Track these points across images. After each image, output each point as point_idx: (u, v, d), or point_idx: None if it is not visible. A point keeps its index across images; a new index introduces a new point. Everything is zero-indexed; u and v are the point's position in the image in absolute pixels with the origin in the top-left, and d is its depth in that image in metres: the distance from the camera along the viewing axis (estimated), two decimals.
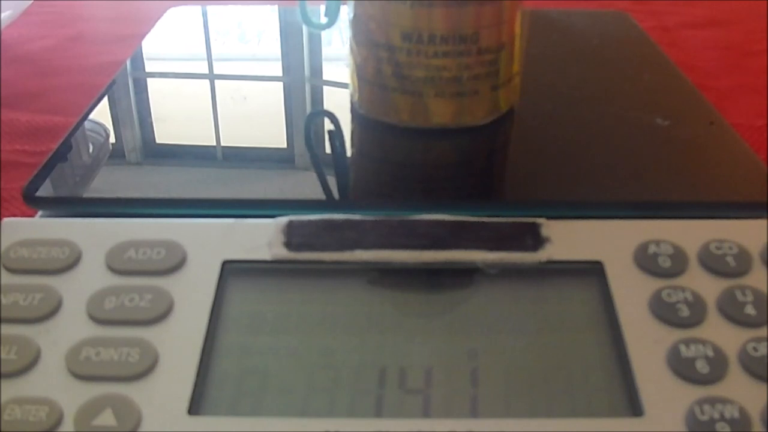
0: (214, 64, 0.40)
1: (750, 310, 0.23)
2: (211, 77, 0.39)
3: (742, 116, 0.43)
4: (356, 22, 0.31)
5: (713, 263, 0.24)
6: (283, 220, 0.25)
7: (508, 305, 0.24)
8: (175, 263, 0.24)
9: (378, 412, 0.21)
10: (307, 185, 0.29)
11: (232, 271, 0.24)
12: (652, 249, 0.25)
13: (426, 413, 0.21)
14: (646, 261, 0.24)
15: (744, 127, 0.41)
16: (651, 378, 0.22)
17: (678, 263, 0.24)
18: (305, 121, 0.34)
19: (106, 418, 0.21)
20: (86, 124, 0.32)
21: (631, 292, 0.24)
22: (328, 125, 0.33)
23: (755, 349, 0.22)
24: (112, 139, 0.32)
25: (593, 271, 0.24)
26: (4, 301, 0.23)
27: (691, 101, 0.34)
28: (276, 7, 0.47)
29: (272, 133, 0.33)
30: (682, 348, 0.22)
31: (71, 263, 0.24)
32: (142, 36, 0.42)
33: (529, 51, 0.37)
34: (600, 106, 0.34)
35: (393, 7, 0.29)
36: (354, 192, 0.29)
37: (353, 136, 0.32)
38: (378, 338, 0.23)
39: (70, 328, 0.23)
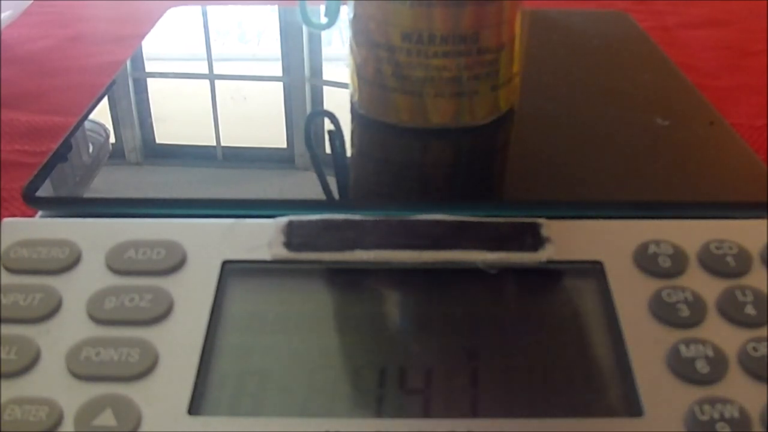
0: (214, 64, 0.40)
1: (750, 310, 0.23)
2: (211, 77, 0.39)
3: (742, 116, 0.43)
4: (356, 22, 0.31)
5: (713, 263, 0.24)
6: (283, 220, 0.25)
7: (508, 305, 0.24)
8: (175, 263, 0.24)
9: (378, 412, 0.21)
10: (307, 185, 0.29)
11: (232, 271, 0.24)
12: (652, 249, 0.25)
13: (426, 413, 0.21)
14: (646, 261, 0.24)
15: (744, 127, 0.41)
16: (651, 378, 0.22)
17: (678, 263, 0.24)
18: (305, 121, 0.34)
19: (106, 418, 0.21)
20: (86, 124, 0.32)
21: (631, 292, 0.24)
22: (328, 125, 0.33)
23: (755, 349, 0.22)
24: (112, 139, 0.32)
25: (593, 271, 0.24)
26: (4, 301, 0.23)
27: (691, 101, 0.34)
28: (276, 7, 0.47)
29: (272, 133, 0.33)
30: (682, 348, 0.22)
31: (71, 263, 0.24)
32: (142, 36, 0.42)
33: (529, 51, 0.37)
34: (600, 106, 0.34)
35: (393, 7, 0.29)
36: (354, 192, 0.29)
37: (353, 136, 0.32)
38: (378, 338, 0.23)
39: (70, 328, 0.23)
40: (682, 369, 0.22)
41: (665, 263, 0.24)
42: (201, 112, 0.34)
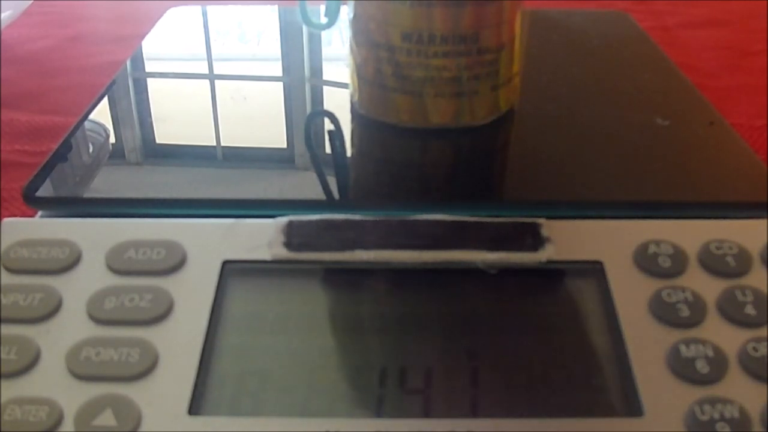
0: (214, 64, 0.40)
1: (750, 310, 0.23)
2: (211, 77, 0.39)
3: (742, 116, 0.43)
4: (356, 22, 0.31)
5: (713, 263, 0.24)
6: (283, 220, 0.25)
7: (508, 305, 0.24)
8: (175, 263, 0.24)
9: (378, 412, 0.21)
10: (307, 185, 0.29)
11: (232, 271, 0.24)
12: (652, 249, 0.25)
13: (426, 413, 0.21)
14: (646, 261, 0.24)
15: (744, 127, 0.41)
16: (651, 378, 0.22)
17: (678, 263, 0.24)
18: (305, 121, 0.34)
19: (106, 418, 0.21)
20: (86, 124, 0.32)
21: (631, 292, 0.24)
22: (328, 125, 0.33)
23: (755, 349, 0.22)
24: (112, 139, 0.32)
25: (593, 271, 0.24)
26: (4, 301, 0.23)
27: (691, 101, 0.34)
28: (276, 7, 0.47)
29: (272, 133, 0.33)
30: (682, 348, 0.22)
31: (71, 263, 0.24)
32: (142, 36, 0.42)
33: (529, 51, 0.37)
34: (600, 106, 0.34)
35: (393, 7, 0.29)
36: (354, 192, 0.29)
37: (353, 136, 0.32)
38: (378, 338, 0.23)
39: (70, 328, 0.23)
40: (682, 369, 0.22)
41: (665, 263, 0.24)
42: (201, 112, 0.34)
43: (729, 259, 0.24)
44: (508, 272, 0.24)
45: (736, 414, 0.21)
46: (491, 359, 0.23)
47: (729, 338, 0.22)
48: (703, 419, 0.21)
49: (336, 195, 0.28)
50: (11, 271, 0.24)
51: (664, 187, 0.28)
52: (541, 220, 0.25)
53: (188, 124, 0.33)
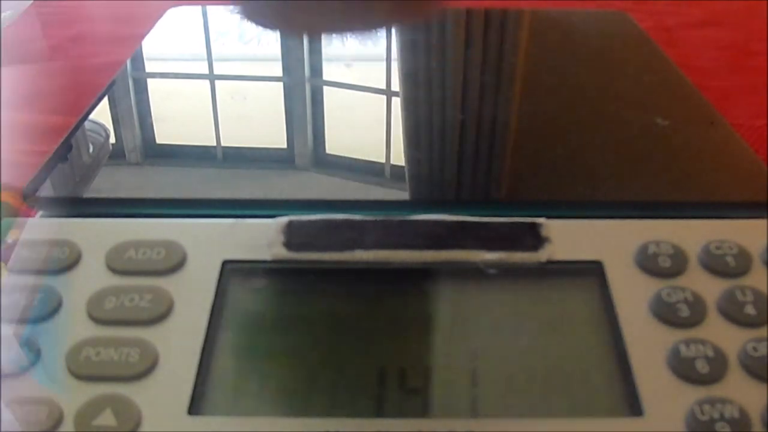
0: (214, 64, 0.40)
1: (750, 310, 0.23)
2: (211, 77, 0.39)
3: (742, 116, 0.43)
4: None
5: (713, 263, 0.24)
6: (283, 220, 0.25)
7: (508, 305, 0.24)
8: (175, 263, 0.24)
9: (378, 412, 0.21)
10: (307, 185, 0.29)
11: (232, 271, 0.24)
12: (652, 249, 0.25)
13: (426, 413, 0.21)
14: (646, 261, 0.24)
15: (744, 127, 0.41)
16: (651, 378, 0.22)
17: (678, 263, 0.24)
18: (305, 121, 0.34)
19: (106, 418, 0.21)
20: (86, 124, 0.32)
21: (631, 292, 0.24)
22: (328, 125, 0.33)
23: (755, 349, 0.22)
24: (112, 139, 0.32)
25: (593, 271, 0.24)
26: (4, 301, 0.23)
27: (691, 101, 0.34)
28: None
29: (272, 133, 0.33)
30: (682, 348, 0.22)
31: (71, 263, 0.24)
32: (142, 36, 0.42)
33: (529, 51, 0.37)
34: (600, 106, 0.34)
35: None
36: (354, 192, 0.29)
37: (354, 135, 0.32)
38: (378, 338, 0.23)
39: (70, 328, 0.23)
40: (682, 369, 0.22)
41: (665, 263, 0.24)
42: (201, 112, 0.34)
43: (729, 259, 0.24)
44: (508, 272, 0.24)
45: (736, 414, 0.21)
46: (491, 359, 0.23)
47: (729, 338, 0.22)
48: (703, 419, 0.21)
49: (336, 195, 0.28)
50: (11, 270, 0.24)
51: (664, 187, 0.28)
52: (541, 220, 0.25)
53: (188, 124, 0.33)
